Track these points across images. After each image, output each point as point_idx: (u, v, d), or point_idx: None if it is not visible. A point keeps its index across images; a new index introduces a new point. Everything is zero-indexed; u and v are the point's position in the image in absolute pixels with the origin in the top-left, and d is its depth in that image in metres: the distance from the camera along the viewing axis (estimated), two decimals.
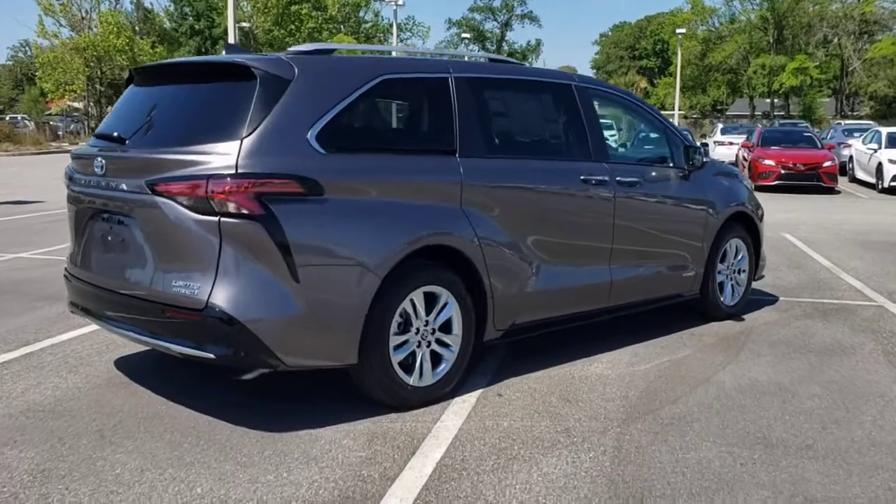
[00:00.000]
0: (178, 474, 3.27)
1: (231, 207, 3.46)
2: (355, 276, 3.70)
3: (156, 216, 3.63)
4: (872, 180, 18.90)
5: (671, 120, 5.71)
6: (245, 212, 3.46)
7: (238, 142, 3.51)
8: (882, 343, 5.51)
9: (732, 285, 6.19)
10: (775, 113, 56.41)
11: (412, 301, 3.98)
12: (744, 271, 6.26)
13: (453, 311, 4.17)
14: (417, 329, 4.03)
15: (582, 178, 4.84)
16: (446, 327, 4.18)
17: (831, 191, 18.39)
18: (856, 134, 23.86)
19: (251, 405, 4.04)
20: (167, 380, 4.42)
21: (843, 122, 36.72)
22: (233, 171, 3.47)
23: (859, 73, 54.01)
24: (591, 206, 4.92)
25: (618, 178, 5.04)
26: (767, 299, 6.79)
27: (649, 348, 5.30)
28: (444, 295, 4.12)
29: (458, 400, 4.21)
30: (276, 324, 3.53)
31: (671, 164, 5.63)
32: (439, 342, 4.16)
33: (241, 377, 3.67)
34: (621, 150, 8.35)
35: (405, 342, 4.01)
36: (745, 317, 6.16)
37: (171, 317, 3.61)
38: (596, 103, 5.15)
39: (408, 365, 4.05)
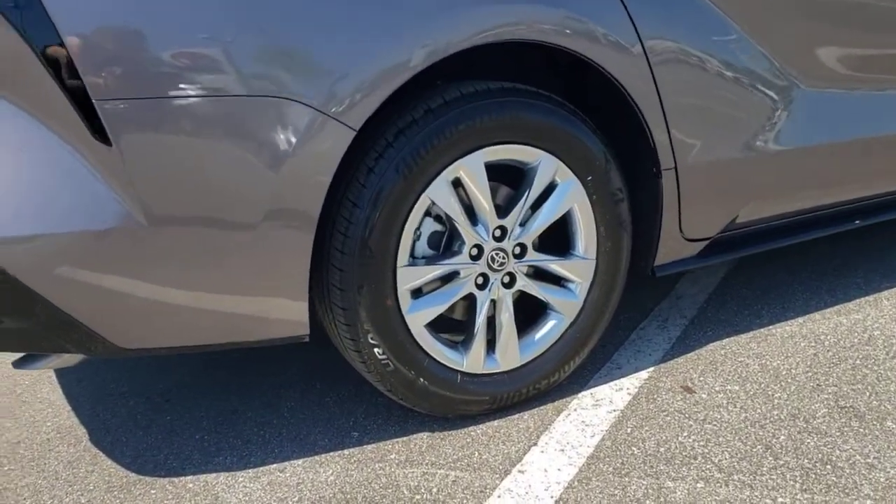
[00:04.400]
0: None
1: None
2: (271, 126, 1.47)
3: None
4: None
5: None
6: None
7: None
8: None
9: None
10: None
11: (457, 184, 1.69)
12: None
13: (573, 205, 1.81)
14: (477, 248, 1.74)
15: None
16: (557, 241, 1.85)
17: None
18: None
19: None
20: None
21: None
22: None
23: None
24: None
25: None
26: None
27: None
28: (545, 167, 1.76)
29: (584, 398, 1.91)
30: (62, 251, 1.43)
31: None
32: (540, 274, 1.85)
33: (25, 366, 1.65)
34: None
35: (448, 277, 1.75)
36: None
37: None
38: None
39: (454, 326, 1.82)
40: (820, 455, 1.63)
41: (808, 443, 1.68)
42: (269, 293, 1.56)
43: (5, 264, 1.41)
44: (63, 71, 1.36)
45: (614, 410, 1.84)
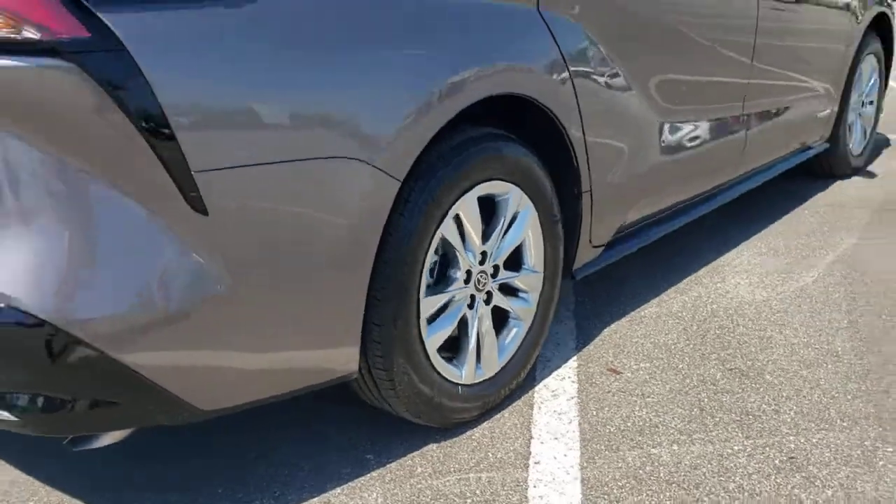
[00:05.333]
0: None
1: (4, 31, 1.25)
2: (342, 184, 1.57)
3: None
4: None
5: None
6: (46, 38, 1.26)
7: None
8: None
9: (862, 125, 4.27)
10: None
11: (457, 218, 1.90)
12: (871, 103, 4.31)
13: (528, 227, 2.11)
14: (468, 272, 1.97)
15: None
16: (514, 259, 2.13)
17: None
18: None
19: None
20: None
21: None
22: None
23: None
24: (735, 12, 2.84)
25: None
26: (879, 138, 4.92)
27: (789, 240, 3.36)
28: (514, 197, 2.04)
29: (542, 391, 2.22)
30: (153, 325, 1.41)
31: None
32: (505, 289, 2.12)
33: (80, 447, 1.57)
34: None
35: (446, 303, 1.95)
36: (874, 171, 4.33)
37: None
38: None
39: (451, 345, 2.03)
40: (739, 409, 2.12)
41: (726, 401, 2.16)
42: (334, 343, 1.65)
43: (99, 343, 1.35)
44: (163, 143, 1.34)
45: (572, 398, 2.18)
